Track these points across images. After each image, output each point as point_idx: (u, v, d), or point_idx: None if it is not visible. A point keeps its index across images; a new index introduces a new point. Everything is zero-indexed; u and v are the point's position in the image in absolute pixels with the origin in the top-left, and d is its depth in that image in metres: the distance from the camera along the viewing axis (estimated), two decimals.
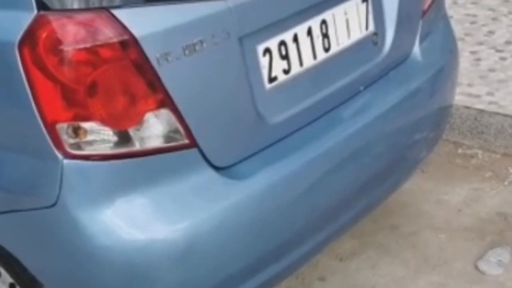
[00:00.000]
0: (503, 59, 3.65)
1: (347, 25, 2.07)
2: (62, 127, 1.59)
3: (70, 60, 1.56)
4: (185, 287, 1.77)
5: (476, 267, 2.52)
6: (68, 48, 1.55)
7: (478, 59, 3.66)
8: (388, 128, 2.19)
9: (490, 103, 3.29)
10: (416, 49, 2.33)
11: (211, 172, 1.77)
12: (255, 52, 1.83)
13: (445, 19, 2.55)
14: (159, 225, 1.69)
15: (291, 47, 1.91)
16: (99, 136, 1.61)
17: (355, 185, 2.14)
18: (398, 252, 2.63)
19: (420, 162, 2.50)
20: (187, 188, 1.72)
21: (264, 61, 1.85)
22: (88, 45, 1.56)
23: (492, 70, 3.56)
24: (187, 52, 1.65)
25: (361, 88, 2.15)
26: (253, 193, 1.82)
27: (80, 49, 1.56)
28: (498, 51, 3.73)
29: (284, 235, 1.94)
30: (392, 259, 2.59)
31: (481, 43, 3.82)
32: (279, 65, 1.89)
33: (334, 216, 2.11)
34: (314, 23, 1.96)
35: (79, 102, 1.58)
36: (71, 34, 1.55)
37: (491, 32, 3.93)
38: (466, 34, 3.90)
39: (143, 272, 1.69)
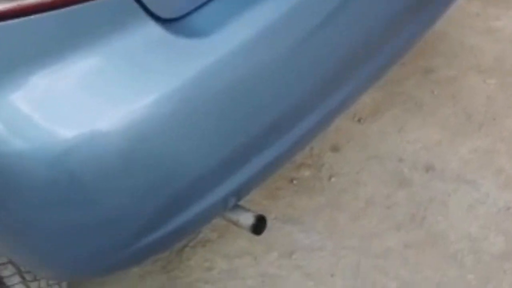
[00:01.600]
0: None
1: None
2: None
3: None
4: (142, 197, 1.26)
5: None
6: None
7: None
8: None
9: None
10: None
11: (155, 28, 1.19)
12: None
13: None
14: (93, 111, 1.15)
15: None
16: None
17: (375, 23, 1.52)
18: (432, 108, 2.05)
19: None
20: (122, 54, 1.17)
21: None
22: None
23: None
24: None
25: None
26: (221, 57, 1.24)
27: None
28: None
29: (275, 110, 1.38)
30: (424, 118, 2.02)
31: None
32: None
33: (346, 71, 1.53)
34: None
35: None
36: None
37: None
38: None
39: (77, 185, 1.17)
